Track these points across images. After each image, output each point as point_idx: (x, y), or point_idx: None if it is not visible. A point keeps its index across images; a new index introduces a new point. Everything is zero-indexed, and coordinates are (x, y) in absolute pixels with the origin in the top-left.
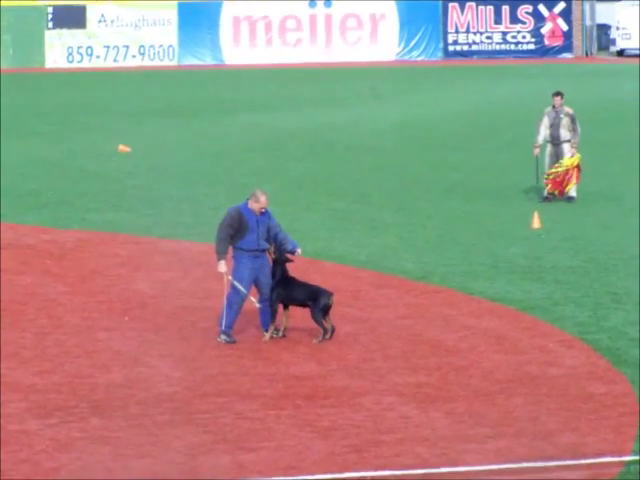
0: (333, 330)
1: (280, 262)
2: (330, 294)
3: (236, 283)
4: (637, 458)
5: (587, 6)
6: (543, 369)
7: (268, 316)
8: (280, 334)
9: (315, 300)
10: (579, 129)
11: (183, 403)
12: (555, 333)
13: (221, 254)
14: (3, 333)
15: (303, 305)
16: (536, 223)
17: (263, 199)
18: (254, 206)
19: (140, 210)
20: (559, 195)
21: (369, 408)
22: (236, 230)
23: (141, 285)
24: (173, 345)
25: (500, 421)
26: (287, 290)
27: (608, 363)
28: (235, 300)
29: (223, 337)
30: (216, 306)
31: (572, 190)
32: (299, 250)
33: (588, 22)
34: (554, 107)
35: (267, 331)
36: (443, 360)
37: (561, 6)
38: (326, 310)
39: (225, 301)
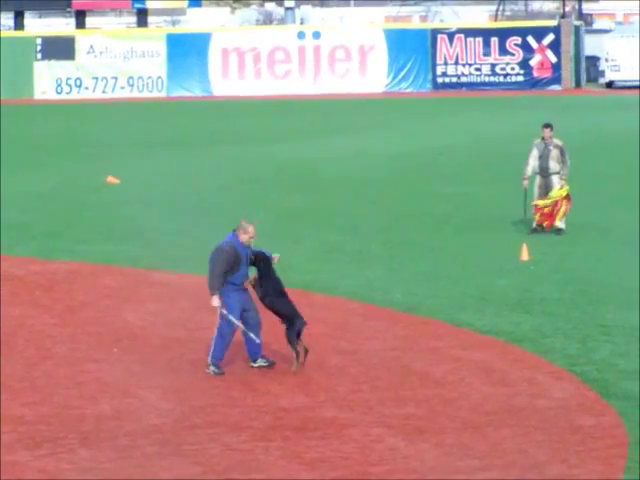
0: (306, 352)
1: (262, 260)
2: (304, 322)
3: (231, 317)
4: None
5: (575, 38)
6: (532, 401)
7: (254, 346)
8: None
9: (291, 321)
10: (568, 161)
11: (172, 435)
12: (544, 365)
13: (214, 289)
14: None
15: (280, 316)
16: (525, 255)
17: (251, 229)
18: (244, 237)
19: (129, 242)
20: (547, 228)
21: (357, 440)
22: (231, 266)
23: (130, 316)
24: (162, 376)
25: (489, 453)
26: (275, 295)
27: (597, 395)
28: (227, 332)
29: (212, 368)
30: (205, 337)
31: (560, 222)
32: (275, 257)
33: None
34: (543, 139)
35: (254, 361)
36: (431, 392)
37: (550, 38)
38: (299, 333)
39: (216, 333)
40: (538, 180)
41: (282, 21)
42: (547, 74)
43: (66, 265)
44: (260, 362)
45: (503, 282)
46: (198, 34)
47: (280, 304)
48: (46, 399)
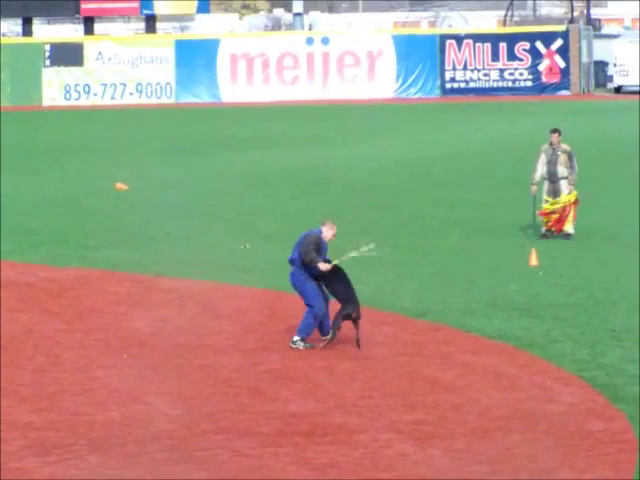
0: (357, 342)
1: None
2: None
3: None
4: None
5: (584, 43)
6: (541, 406)
7: (328, 322)
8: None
9: (343, 304)
10: (576, 166)
11: (181, 441)
12: (553, 370)
13: (317, 258)
14: (1, 370)
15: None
16: (534, 260)
17: (335, 230)
18: (328, 234)
19: (138, 248)
20: (556, 232)
21: (367, 445)
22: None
23: (139, 323)
24: (171, 383)
25: (498, 458)
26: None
27: (606, 400)
28: (321, 311)
29: (301, 343)
30: (214, 343)
31: (569, 227)
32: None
33: (585, 59)
34: (551, 144)
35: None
36: (441, 397)
37: (558, 43)
38: (352, 320)
39: (309, 311)
40: (546, 185)
41: (291, 27)
42: (555, 79)
43: (75, 271)
44: (326, 336)
45: (512, 287)
46: (207, 40)
47: (340, 287)
48: (55, 405)
